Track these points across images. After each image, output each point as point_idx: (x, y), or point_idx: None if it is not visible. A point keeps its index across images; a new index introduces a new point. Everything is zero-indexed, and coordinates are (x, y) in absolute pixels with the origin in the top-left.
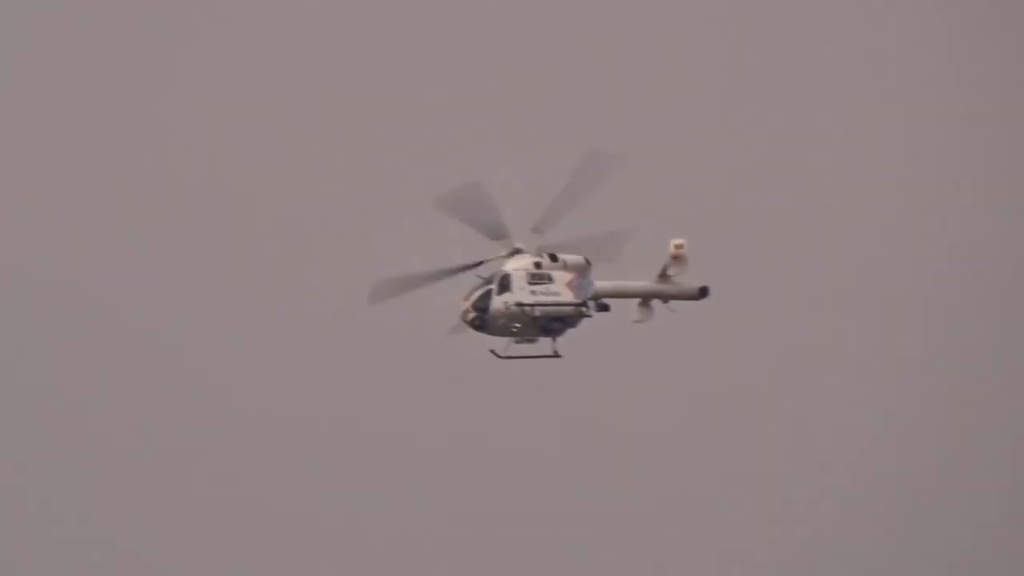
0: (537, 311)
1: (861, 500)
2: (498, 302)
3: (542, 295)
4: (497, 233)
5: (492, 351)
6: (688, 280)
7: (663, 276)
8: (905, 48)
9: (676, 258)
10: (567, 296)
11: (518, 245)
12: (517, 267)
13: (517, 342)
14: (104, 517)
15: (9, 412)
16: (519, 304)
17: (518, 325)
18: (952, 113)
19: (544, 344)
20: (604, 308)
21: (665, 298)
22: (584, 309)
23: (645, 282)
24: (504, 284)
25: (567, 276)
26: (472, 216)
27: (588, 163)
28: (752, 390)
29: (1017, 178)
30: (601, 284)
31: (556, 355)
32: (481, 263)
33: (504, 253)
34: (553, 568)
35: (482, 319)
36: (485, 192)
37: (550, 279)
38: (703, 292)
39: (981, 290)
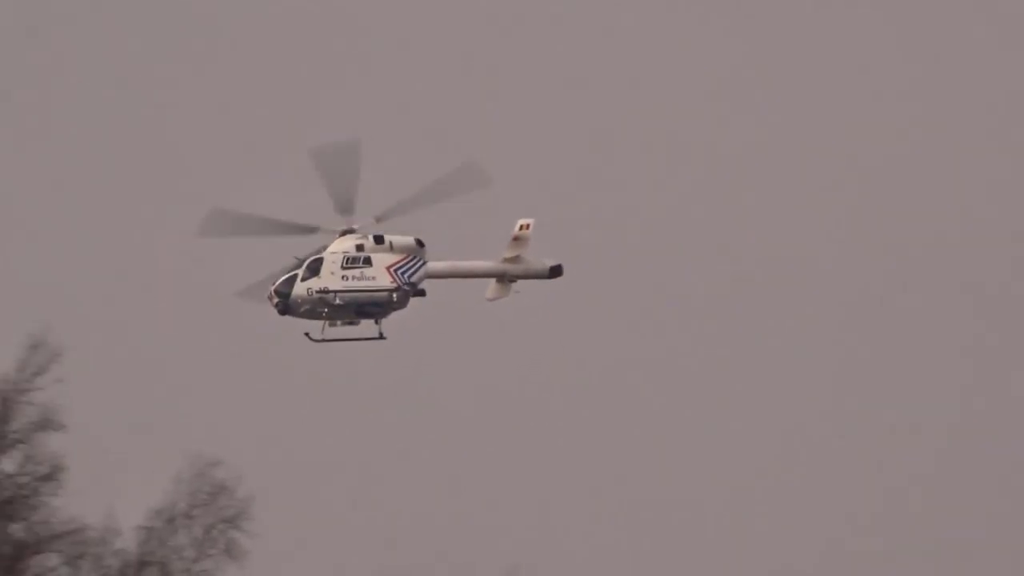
0: (338, 299)
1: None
2: (301, 288)
3: (354, 280)
4: (345, 207)
5: (307, 334)
6: (539, 260)
7: (507, 257)
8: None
9: (517, 239)
10: (384, 280)
11: (354, 226)
12: (335, 250)
13: (331, 325)
14: None
15: None
16: (321, 291)
17: (326, 310)
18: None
19: (368, 326)
20: (420, 293)
21: (511, 278)
22: (395, 295)
23: (488, 262)
24: (313, 269)
25: (389, 259)
26: (333, 179)
27: (459, 171)
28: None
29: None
30: (436, 265)
31: (381, 337)
32: (317, 229)
33: (337, 231)
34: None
35: (285, 304)
36: (358, 157)
37: (368, 262)
38: (555, 271)
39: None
